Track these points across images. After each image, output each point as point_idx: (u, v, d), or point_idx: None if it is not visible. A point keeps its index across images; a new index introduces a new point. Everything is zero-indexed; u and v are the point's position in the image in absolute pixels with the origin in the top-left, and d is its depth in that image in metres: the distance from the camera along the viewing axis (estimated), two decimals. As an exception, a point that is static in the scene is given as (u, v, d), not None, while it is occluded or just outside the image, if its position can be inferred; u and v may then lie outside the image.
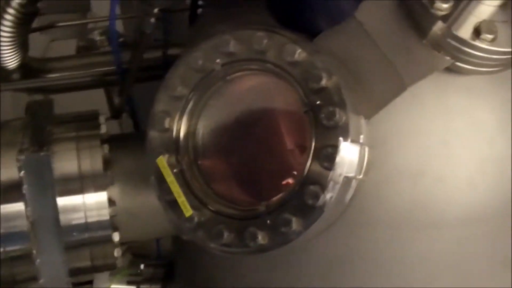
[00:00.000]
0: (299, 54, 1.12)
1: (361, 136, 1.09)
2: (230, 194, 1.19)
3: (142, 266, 1.92)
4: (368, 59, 1.11)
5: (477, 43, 1.05)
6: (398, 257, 1.23)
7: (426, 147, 1.19)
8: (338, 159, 1.07)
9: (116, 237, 1.35)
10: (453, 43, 1.08)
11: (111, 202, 1.35)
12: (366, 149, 1.08)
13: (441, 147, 1.18)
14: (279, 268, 1.25)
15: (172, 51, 1.94)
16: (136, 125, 1.92)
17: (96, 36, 2.49)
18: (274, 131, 1.17)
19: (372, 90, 1.11)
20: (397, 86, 1.10)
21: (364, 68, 1.12)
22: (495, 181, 1.20)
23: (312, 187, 1.07)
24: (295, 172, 1.12)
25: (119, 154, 1.43)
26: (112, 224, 1.34)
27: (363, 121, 1.10)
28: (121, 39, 1.85)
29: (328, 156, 1.08)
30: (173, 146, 1.21)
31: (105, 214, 1.35)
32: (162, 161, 1.21)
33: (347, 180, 1.06)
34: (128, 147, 1.46)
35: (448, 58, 1.08)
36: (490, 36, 1.03)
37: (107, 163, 1.36)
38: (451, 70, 1.10)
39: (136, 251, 2.12)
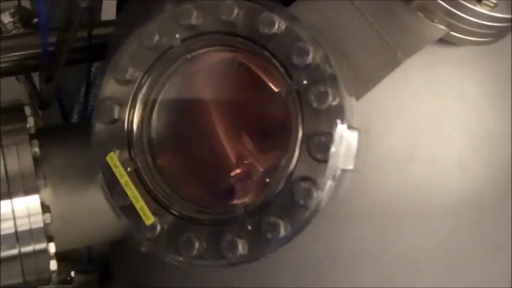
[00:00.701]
0: (279, 24, 0.97)
1: (354, 120, 0.96)
2: (198, 195, 1.07)
3: (72, 273, 1.74)
4: (354, 30, 1.00)
5: (478, 8, 0.96)
6: (385, 252, 1.13)
7: (415, 127, 1.09)
8: (333, 148, 0.94)
9: (52, 248, 1.19)
10: (450, 8, 0.98)
11: (44, 207, 1.18)
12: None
13: (431, 127, 1.08)
14: (247, 267, 1.04)
15: (98, 31, 1.72)
16: (65, 115, 1.76)
17: (6, 18, 2.16)
18: (248, 118, 1.06)
19: (361, 65, 1.00)
20: (390, 60, 0.98)
21: (349, 41, 1.00)
22: (487, 161, 1.13)
23: (303, 184, 0.94)
24: (279, 166, 0.98)
25: (51, 150, 1.26)
26: (46, 233, 1.18)
27: (354, 102, 0.97)
28: (35, 20, 1.72)
29: (321, 146, 0.96)
30: (125, 140, 1.07)
31: (38, 222, 1.18)
32: (113, 159, 1.07)
33: (343, 174, 0.93)
34: (60, 141, 1.30)
35: (443, 27, 0.99)
36: (493, 1, 0.94)
37: (37, 162, 1.19)
38: (439, 40, 1.00)
39: (63, 256, 1.84)
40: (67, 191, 1.23)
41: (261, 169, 1.03)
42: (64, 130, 1.47)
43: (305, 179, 0.94)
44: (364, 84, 0.98)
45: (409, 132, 1.08)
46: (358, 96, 0.98)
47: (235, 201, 1.00)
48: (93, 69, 1.83)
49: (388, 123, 1.08)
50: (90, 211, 1.20)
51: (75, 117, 1.99)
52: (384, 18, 0.97)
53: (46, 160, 1.22)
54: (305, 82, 0.94)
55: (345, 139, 0.94)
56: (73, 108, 1.98)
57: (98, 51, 1.61)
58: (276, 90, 0.99)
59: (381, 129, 1.07)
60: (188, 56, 1.04)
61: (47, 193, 1.20)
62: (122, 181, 1.04)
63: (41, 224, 1.16)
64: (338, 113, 0.94)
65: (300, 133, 0.95)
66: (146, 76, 1.05)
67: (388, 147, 1.08)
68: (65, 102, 1.80)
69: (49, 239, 1.17)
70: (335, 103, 0.94)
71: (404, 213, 1.10)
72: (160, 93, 1.07)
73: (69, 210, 1.23)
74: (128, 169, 1.05)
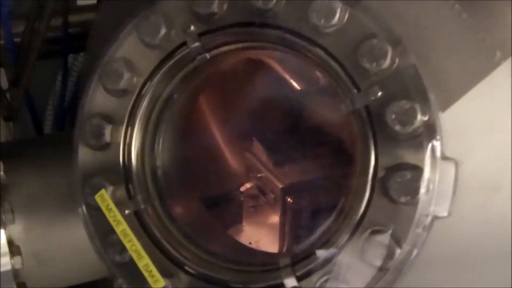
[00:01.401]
0: (340, 12, 0.77)
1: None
2: (226, 245, 0.95)
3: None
4: (443, 27, 0.82)
5: None
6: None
7: (503, 150, 0.86)
8: (423, 188, 0.75)
9: (23, 297, 1.03)
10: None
11: (13, 247, 1.03)
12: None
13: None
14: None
15: (75, 18, 1.48)
16: (38, 126, 1.54)
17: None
18: (298, 145, 1.02)
19: (450, 70, 0.81)
20: (487, 62, 0.80)
21: (436, 40, 0.82)
22: None
23: (378, 238, 0.77)
24: (340, 209, 0.85)
25: (20, 173, 1.09)
26: (17, 279, 1.04)
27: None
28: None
29: (405, 184, 0.76)
30: (121, 172, 0.90)
31: (5, 264, 1.03)
32: (105, 198, 0.88)
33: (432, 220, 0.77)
34: (32, 162, 1.12)
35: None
36: None
37: (2, 190, 1.04)
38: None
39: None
40: (41, 225, 1.07)
41: (313, 212, 0.93)
42: (36, 146, 1.23)
43: (380, 230, 0.77)
44: (451, 93, 0.80)
45: (495, 155, 0.87)
46: (443, 108, 0.80)
47: (278, 257, 0.85)
48: (69, 64, 1.62)
49: (471, 145, 0.85)
50: (70, 247, 1.07)
51: (47, 126, 1.75)
52: (481, 13, 0.83)
53: (13, 187, 1.05)
54: (380, 94, 0.77)
55: (439, 174, 0.76)
56: (44, 112, 1.76)
57: (76, 42, 1.40)
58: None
59: (463, 152, 0.83)
60: (208, 55, 0.86)
61: (16, 229, 1.04)
62: (118, 230, 0.86)
63: (8, 267, 1.03)
64: (430, 137, 0.76)
65: (372, 166, 0.78)
66: (148, 83, 0.87)
67: (470, 174, 0.84)
68: (36, 110, 1.53)
69: (20, 284, 1.05)
70: (424, 124, 0.76)
71: (485, 255, 0.91)
72: (168, 107, 0.91)
73: (44, 247, 1.08)
74: (126, 211, 0.88)
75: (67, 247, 1.09)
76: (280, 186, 1.09)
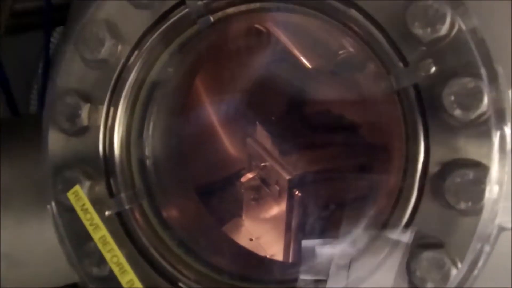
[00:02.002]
0: None
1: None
2: (228, 258, 0.83)
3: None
4: None
5: None
6: None
7: None
8: (488, 192, 0.61)
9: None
10: None
11: None
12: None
13: None
14: None
15: None
16: (12, 106, 1.40)
17: None
18: (311, 131, 0.94)
19: None
20: None
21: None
22: None
23: (428, 255, 0.64)
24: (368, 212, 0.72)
25: None
26: None
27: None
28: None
29: (466, 187, 0.62)
30: (101, 164, 0.78)
31: None
32: (80, 196, 0.75)
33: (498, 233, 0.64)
34: (4, 149, 1.00)
35: None
36: None
37: None
38: None
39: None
40: (14, 223, 0.99)
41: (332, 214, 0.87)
42: (9, 130, 1.10)
43: (431, 245, 0.65)
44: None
45: None
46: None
47: (295, 271, 0.74)
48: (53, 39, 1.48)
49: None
50: (46, 248, 0.94)
51: (33, 106, 1.62)
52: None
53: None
54: (434, 69, 0.65)
55: (508, 174, 0.63)
56: (28, 95, 1.63)
57: (61, 14, 1.21)
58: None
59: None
60: (211, 18, 0.76)
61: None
62: (96, 236, 0.74)
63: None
64: (499, 124, 0.64)
65: (421, 161, 0.66)
66: (136, 53, 0.77)
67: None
68: (10, 87, 1.41)
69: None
70: (493, 107, 0.63)
71: None
72: (160, 83, 0.81)
73: (17, 248, 0.99)
74: (107, 213, 0.77)
75: (42, 248, 0.99)
76: (287, 177, 1.00)
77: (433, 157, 0.66)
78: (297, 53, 1.01)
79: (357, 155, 0.98)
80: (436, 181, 0.66)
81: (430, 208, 0.66)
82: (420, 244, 0.66)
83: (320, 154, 1.04)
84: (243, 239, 1.07)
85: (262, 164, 1.06)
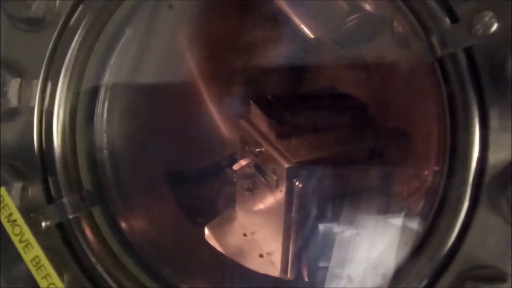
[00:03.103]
0: None
1: None
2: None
3: None
4: None
5: None
6: None
7: None
8: None
9: None
10: None
11: None
12: None
13: None
14: None
15: None
16: None
17: None
18: (315, 111, 0.83)
19: None
20: None
21: None
22: None
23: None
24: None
25: None
26: None
27: None
28: None
29: None
30: (36, 158, 0.63)
31: None
32: (6, 202, 0.60)
33: None
34: None
35: None
36: None
37: None
38: None
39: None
40: None
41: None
42: None
43: (492, 277, 0.50)
44: None
45: None
46: None
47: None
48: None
49: None
50: None
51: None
52: None
53: None
54: (495, 27, 0.50)
55: None
56: None
57: None
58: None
59: None
60: None
61: None
62: (28, 257, 0.57)
63: None
64: None
65: (475, 160, 0.52)
66: (81, 8, 0.62)
67: None
68: None
69: None
70: None
71: None
72: (115, 50, 0.64)
73: None
74: (44, 224, 0.61)
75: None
76: (286, 165, 0.88)
77: (493, 154, 0.52)
78: (297, 21, 0.91)
79: (366, 140, 0.87)
80: (496, 188, 0.51)
81: (488, 222, 0.51)
82: (474, 276, 0.50)
83: (323, 138, 0.93)
84: (236, 234, 0.99)
85: (257, 149, 0.95)
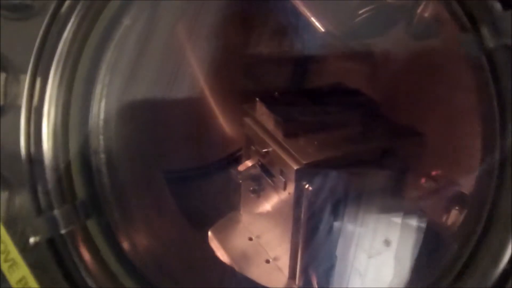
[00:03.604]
0: None
1: None
2: None
3: None
4: None
5: None
6: None
7: None
8: None
9: None
10: None
11: None
12: None
13: None
14: None
15: None
16: None
17: None
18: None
19: None
20: None
21: None
22: None
23: None
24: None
25: None
26: None
27: None
28: None
29: None
30: (24, 164, 0.59)
31: None
32: None
33: None
34: None
35: None
36: None
37: None
38: None
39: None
40: None
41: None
42: None
43: None
44: None
45: None
46: None
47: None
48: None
49: None
50: None
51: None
52: None
53: None
54: None
55: None
56: None
57: None
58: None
59: None
60: None
61: None
62: (13, 278, 0.52)
63: None
64: None
65: None
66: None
67: None
68: None
69: None
70: None
71: None
72: (112, 40, 0.60)
73: None
74: (32, 240, 0.56)
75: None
76: (295, 167, 0.84)
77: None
78: (307, 13, 0.86)
79: (378, 138, 0.84)
80: None
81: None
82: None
83: (333, 137, 0.89)
84: (241, 238, 0.97)
85: (264, 150, 0.90)
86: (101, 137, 0.62)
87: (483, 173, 0.51)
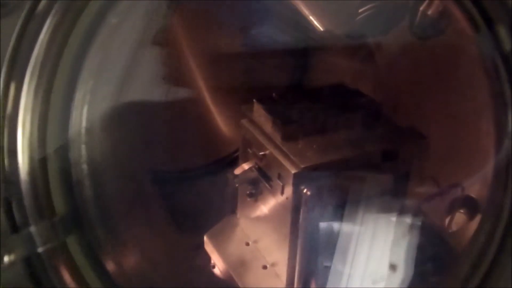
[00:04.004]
0: None
1: None
2: None
3: None
4: None
5: None
6: None
7: None
8: None
9: None
10: None
11: None
12: None
13: None
14: None
15: None
16: None
17: None
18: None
19: None
20: None
21: None
22: None
23: None
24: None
25: None
26: None
27: None
28: None
29: None
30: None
31: None
32: None
33: None
34: None
35: None
36: None
37: None
38: None
39: None
40: None
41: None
42: None
43: None
44: None
45: None
46: None
47: None
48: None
49: None
50: None
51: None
52: None
53: None
54: None
55: None
56: None
57: None
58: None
59: None
60: None
61: None
62: None
63: None
64: None
65: None
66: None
67: None
68: None
69: None
70: None
71: None
72: (94, 42, 0.55)
73: None
74: (6, 259, 0.53)
75: None
76: (293, 171, 0.81)
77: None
78: (306, 12, 0.83)
79: (379, 141, 0.81)
80: None
81: None
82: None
83: (333, 140, 0.85)
84: (237, 243, 0.95)
85: (261, 153, 0.87)
86: (83, 146, 0.58)
87: (496, 177, 0.48)
